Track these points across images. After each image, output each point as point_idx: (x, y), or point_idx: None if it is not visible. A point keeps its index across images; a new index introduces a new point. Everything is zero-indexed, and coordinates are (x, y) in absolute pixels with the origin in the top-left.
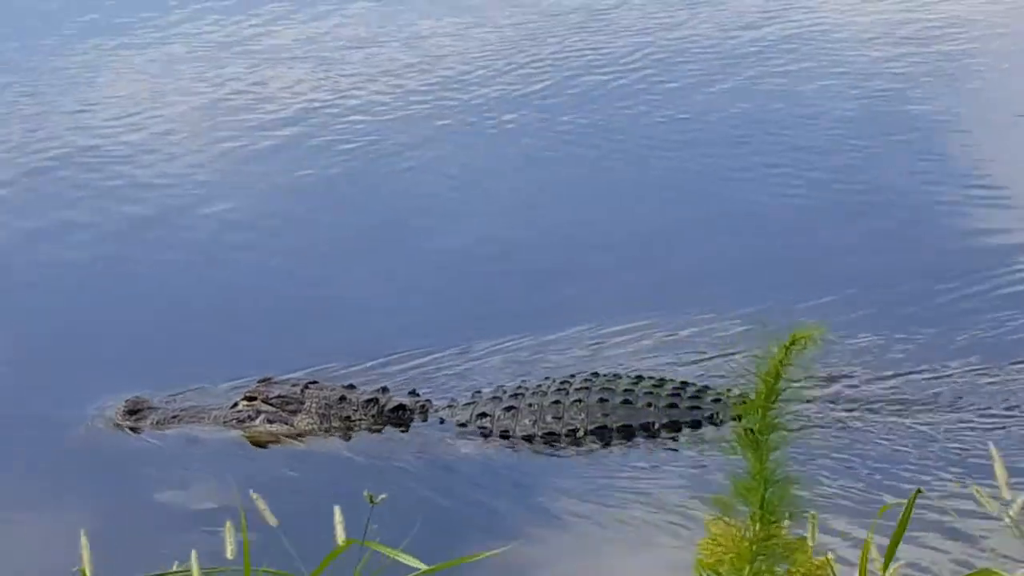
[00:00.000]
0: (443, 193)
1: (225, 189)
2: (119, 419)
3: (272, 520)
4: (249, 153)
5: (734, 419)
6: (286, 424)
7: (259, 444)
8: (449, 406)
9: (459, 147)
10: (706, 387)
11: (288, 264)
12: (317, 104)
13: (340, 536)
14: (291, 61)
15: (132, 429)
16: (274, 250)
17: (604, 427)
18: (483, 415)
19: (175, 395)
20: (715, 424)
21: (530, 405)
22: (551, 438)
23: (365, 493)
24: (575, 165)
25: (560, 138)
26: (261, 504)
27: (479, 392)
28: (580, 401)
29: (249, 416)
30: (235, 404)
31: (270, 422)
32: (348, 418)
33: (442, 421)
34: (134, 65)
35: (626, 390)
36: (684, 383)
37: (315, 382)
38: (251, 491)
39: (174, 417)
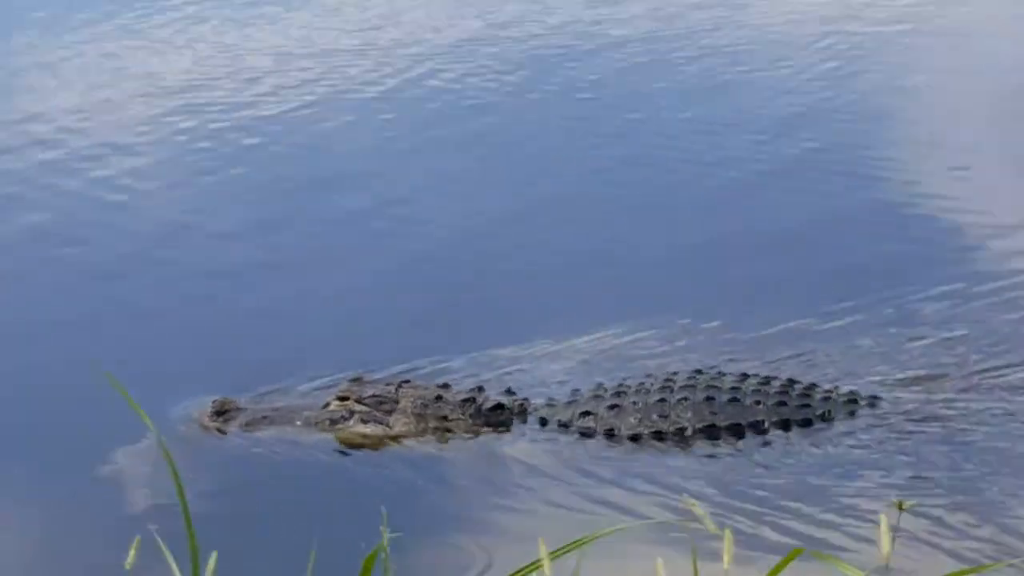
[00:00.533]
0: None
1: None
2: (207, 420)
3: (712, 527)
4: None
5: (847, 416)
6: (381, 425)
7: (352, 445)
8: (549, 405)
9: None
10: (814, 385)
11: (369, 262)
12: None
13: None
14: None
15: (219, 431)
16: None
17: (713, 425)
18: (586, 414)
19: (259, 396)
20: (826, 421)
21: (635, 403)
22: (658, 437)
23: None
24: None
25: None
26: (699, 510)
27: (578, 391)
28: (687, 399)
29: (343, 416)
30: (327, 404)
31: (364, 422)
32: (445, 418)
33: (544, 421)
34: None
35: (733, 388)
36: (791, 381)
37: (408, 381)
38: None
39: (264, 418)
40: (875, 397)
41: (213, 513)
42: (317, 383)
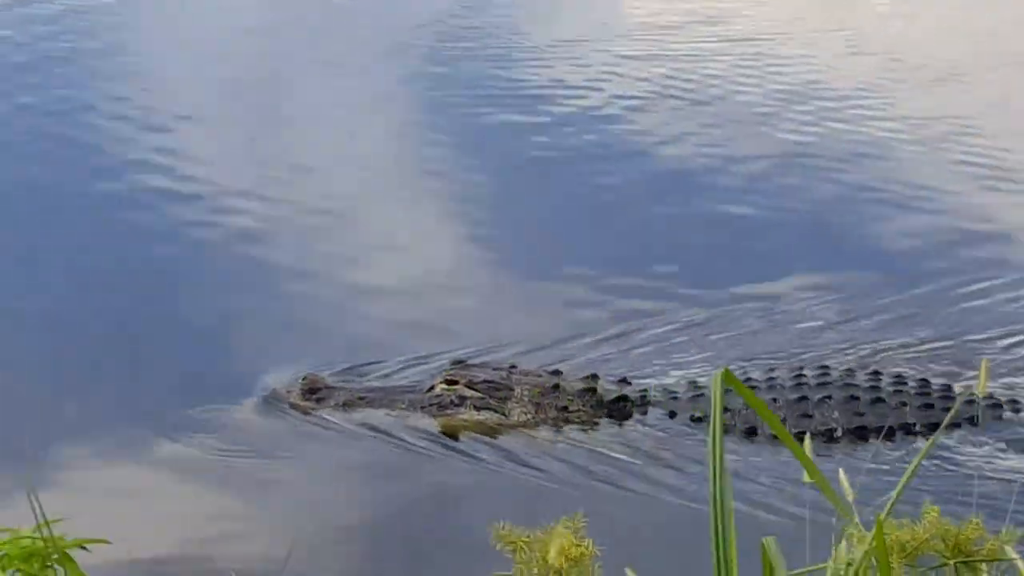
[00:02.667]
0: None
1: None
2: (297, 399)
3: None
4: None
5: (994, 420)
6: (496, 413)
7: (454, 435)
8: (671, 397)
9: None
10: (948, 386)
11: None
12: None
13: None
14: None
15: (310, 410)
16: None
17: (863, 427)
18: (724, 410)
19: (340, 372)
20: (974, 425)
21: (774, 400)
22: (802, 437)
23: None
24: None
25: None
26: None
27: (694, 382)
28: (829, 398)
29: (452, 402)
30: (431, 388)
31: (478, 409)
32: (565, 408)
33: (672, 414)
34: None
35: (872, 387)
36: (926, 381)
37: (515, 366)
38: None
39: (361, 399)
40: (1015, 401)
41: (315, 499)
42: (393, 364)
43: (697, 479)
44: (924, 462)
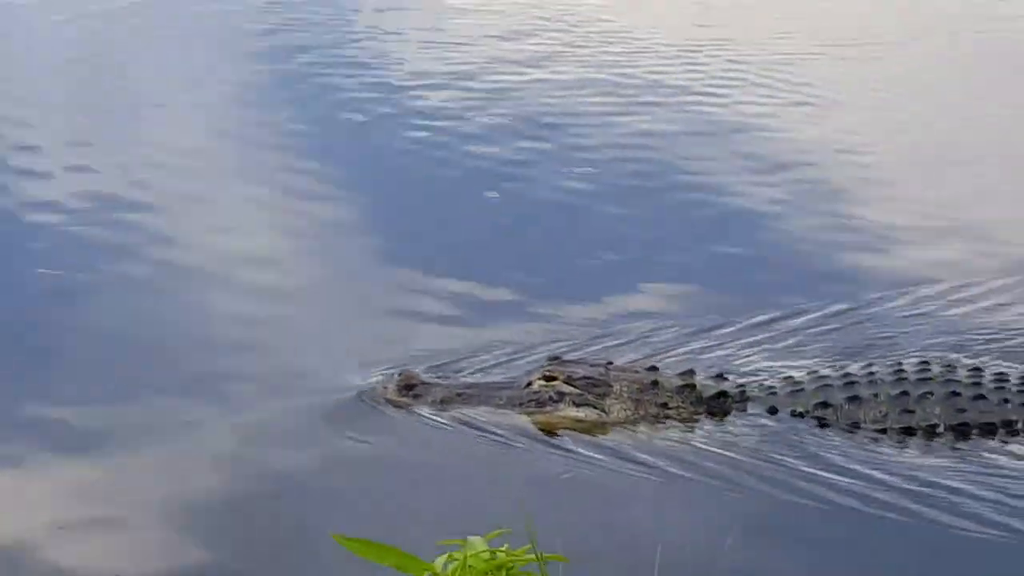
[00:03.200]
0: None
1: None
2: (394, 395)
3: None
4: None
5: None
6: (596, 409)
7: (553, 432)
8: (770, 392)
9: None
10: None
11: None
12: None
13: None
14: None
15: (407, 406)
16: None
17: (965, 424)
18: (824, 404)
19: (429, 370)
20: None
21: (875, 395)
22: (907, 432)
23: None
24: None
25: None
26: None
27: (790, 378)
28: (931, 394)
29: (551, 398)
30: (528, 384)
31: (577, 406)
32: (665, 405)
33: (774, 410)
34: None
35: (974, 383)
36: None
37: (611, 362)
38: None
39: (459, 395)
40: None
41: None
42: (484, 360)
43: (807, 475)
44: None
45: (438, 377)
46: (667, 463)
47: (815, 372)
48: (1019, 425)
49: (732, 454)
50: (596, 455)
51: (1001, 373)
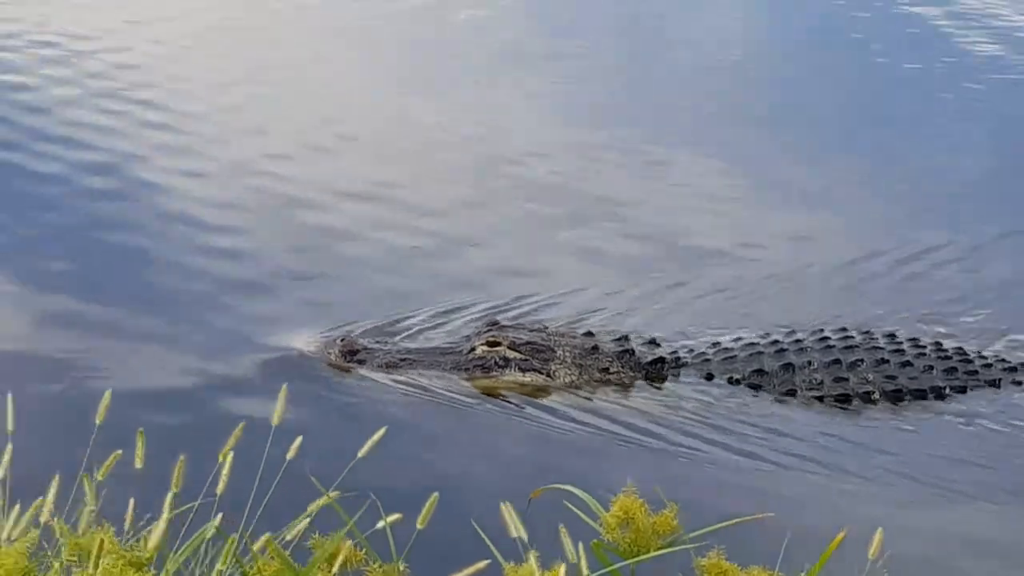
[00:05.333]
0: None
1: None
2: (337, 359)
3: None
4: None
5: (1015, 384)
6: (541, 374)
7: (493, 394)
8: (704, 360)
9: None
10: (961, 348)
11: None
12: None
13: None
14: None
15: (347, 370)
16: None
17: (899, 390)
18: (760, 372)
19: (362, 333)
20: (996, 388)
21: (808, 363)
22: (844, 399)
23: None
24: None
25: None
26: None
27: (717, 344)
28: (861, 361)
29: (496, 363)
30: (472, 349)
31: (523, 371)
32: (606, 370)
33: (710, 376)
34: None
35: (897, 351)
36: (939, 344)
37: (546, 327)
38: None
39: (404, 360)
40: None
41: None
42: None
43: (745, 438)
44: (954, 421)
45: (377, 342)
46: (619, 425)
47: (741, 339)
48: (946, 391)
49: (678, 416)
50: (545, 416)
51: (915, 339)
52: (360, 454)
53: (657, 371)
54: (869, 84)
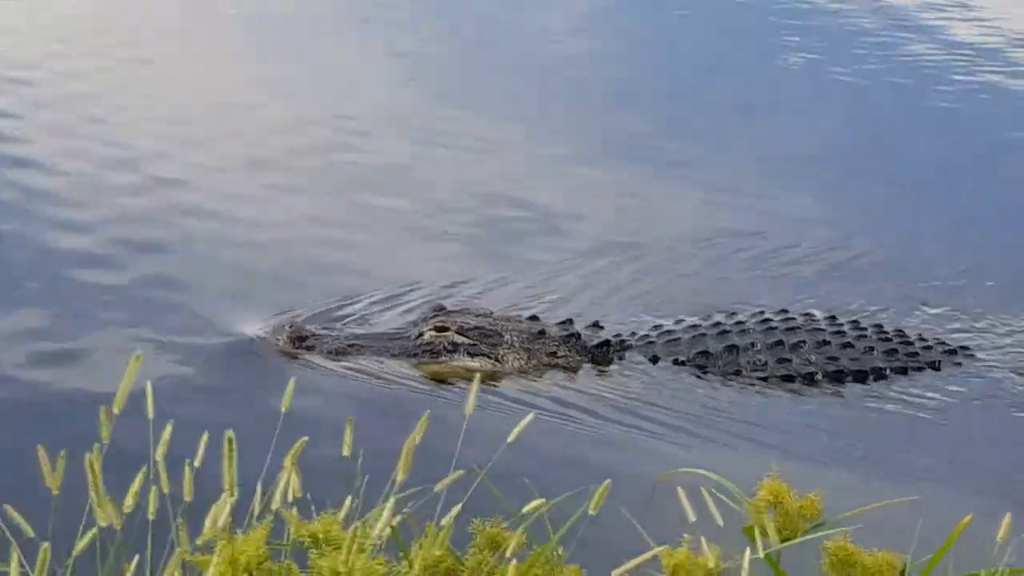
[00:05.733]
0: None
1: None
2: (286, 346)
3: None
4: None
5: (955, 365)
6: (490, 359)
7: (443, 380)
8: (648, 343)
9: None
10: (901, 331)
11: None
12: None
13: None
14: None
15: (294, 356)
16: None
17: (840, 371)
18: (705, 353)
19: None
20: (936, 369)
21: (752, 344)
22: (787, 379)
23: None
24: None
25: None
26: None
27: (659, 326)
28: (803, 343)
29: (445, 348)
30: (420, 334)
31: (471, 356)
32: (554, 354)
33: (655, 359)
34: None
35: (838, 332)
36: (880, 326)
37: (492, 312)
38: None
39: (352, 346)
40: (965, 347)
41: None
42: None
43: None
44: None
45: (324, 328)
46: (574, 409)
47: (683, 321)
48: (887, 372)
49: (627, 398)
50: (496, 400)
51: (855, 321)
52: (510, 439)
53: (603, 354)
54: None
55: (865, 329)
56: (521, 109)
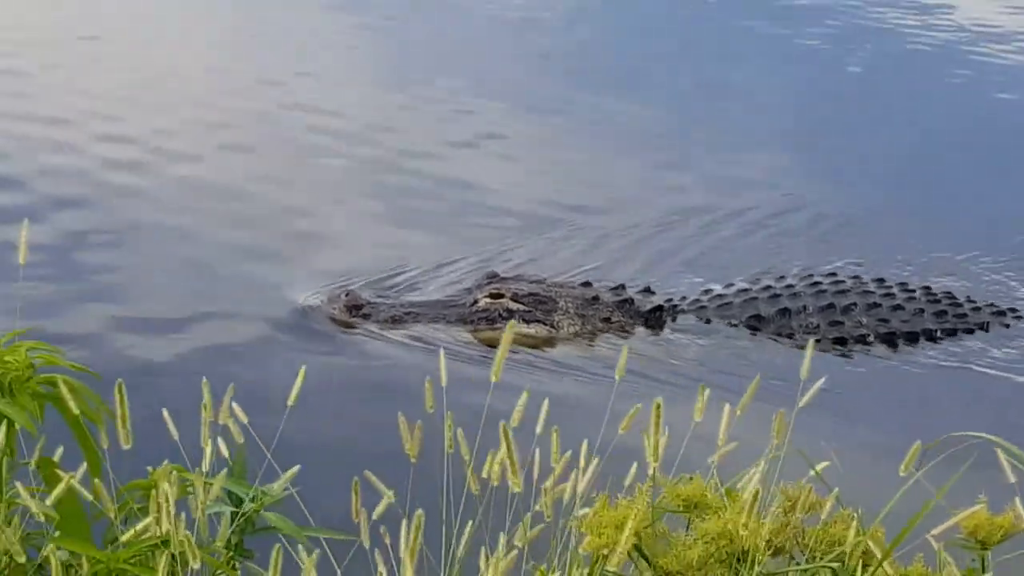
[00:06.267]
0: None
1: None
2: (342, 315)
3: None
4: None
5: (1004, 327)
6: (545, 325)
7: (492, 345)
8: (700, 307)
9: None
10: (950, 292)
11: None
12: None
13: None
14: None
15: (352, 325)
16: None
17: (893, 333)
18: (758, 317)
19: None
20: (985, 331)
21: (804, 307)
22: (840, 342)
23: None
24: None
25: None
26: None
27: (709, 291)
28: (854, 305)
29: (500, 315)
30: (475, 301)
31: (527, 322)
32: (608, 319)
33: (708, 321)
34: None
35: (888, 294)
36: (928, 287)
37: (544, 279)
38: None
39: (407, 314)
40: (1013, 309)
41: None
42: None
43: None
44: (948, 364)
45: (380, 296)
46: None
47: (732, 285)
48: (938, 334)
49: (691, 361)
50: (554, 368)
51: (904, 283)
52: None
53: (656, 319)
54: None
55: (914, 291)
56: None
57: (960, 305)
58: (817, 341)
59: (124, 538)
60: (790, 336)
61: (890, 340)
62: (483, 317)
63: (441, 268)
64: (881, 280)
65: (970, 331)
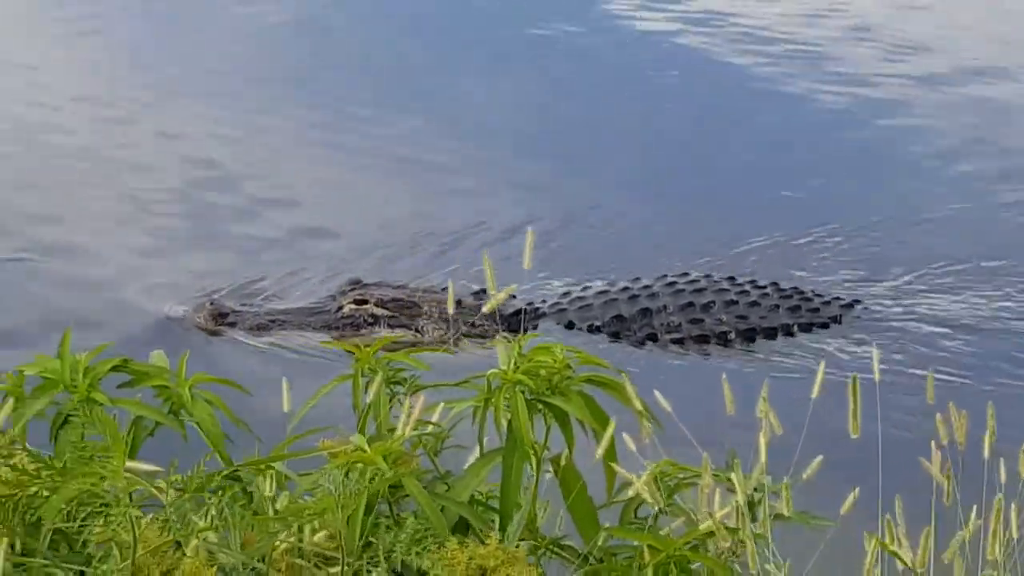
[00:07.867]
0: None
1: None
2: (208, 323)
3: None
4: None
5: (853, 318)
6: (410, 331)
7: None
8: (560, 310)
9: None
10: (798, 288)
11: None
12: None
13: None
14: None
15: (216, 333)
16: None
17: (752, 329)
18: (619, 318)
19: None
20: (837, 323)
21: (664, 307)
22: (702, 340)
23: None
24: None
25: None
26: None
27: (568, 294)
28: (713, 303)
29: (366, 321)
30: (340, 308)
31: (391, 327)
32: (471, 324)
33: (571, 325)
34: None
35: (743, 292)
36: (777, 283)
37: (407, 284)
38: None
39: (273, 321)
40: (857, 301)
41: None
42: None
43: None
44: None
45: (243, 305)
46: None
47: (590, 288)
48: (794, 328)
49: None
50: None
51: (754, 280)
52: None
53: (518, 323)
54: None
55: (765, 287)
56: None
57: (811, 299)
58: (680, 340)
59: None
60: (652, 336)
61: (750, 336)
62: (348, 323)
63: None
64: (732, 278)
65: (825, 326)
